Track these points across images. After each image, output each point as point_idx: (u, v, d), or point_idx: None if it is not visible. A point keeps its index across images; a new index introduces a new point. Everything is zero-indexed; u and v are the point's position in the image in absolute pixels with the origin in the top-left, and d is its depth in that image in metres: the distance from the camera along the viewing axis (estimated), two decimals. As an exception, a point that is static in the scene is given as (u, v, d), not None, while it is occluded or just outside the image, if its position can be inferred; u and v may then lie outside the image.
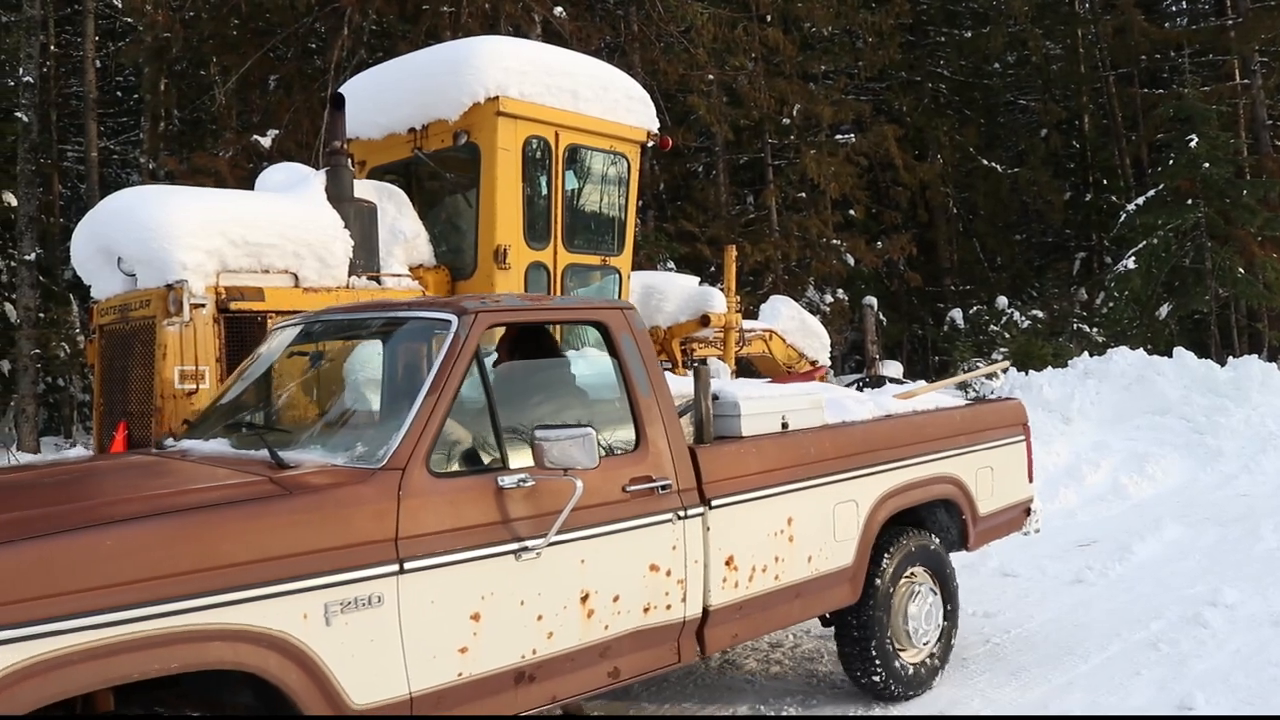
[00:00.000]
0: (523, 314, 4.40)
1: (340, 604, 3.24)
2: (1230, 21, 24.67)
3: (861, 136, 22.12)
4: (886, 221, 23.45)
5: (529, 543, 3.70)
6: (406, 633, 3.39)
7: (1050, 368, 15.37)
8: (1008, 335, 22.67)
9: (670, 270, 17.19)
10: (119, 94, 27.28)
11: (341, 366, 4.78)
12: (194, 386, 6.38)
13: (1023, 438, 6.34)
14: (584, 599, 3.90)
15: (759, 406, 4.86)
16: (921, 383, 10.29)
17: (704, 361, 10.29)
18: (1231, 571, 7.73)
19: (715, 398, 4.76)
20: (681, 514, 4.25)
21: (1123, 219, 22.91)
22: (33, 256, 17.63)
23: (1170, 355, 14.49)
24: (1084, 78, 28.43)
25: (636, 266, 9.40)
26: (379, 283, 7.45)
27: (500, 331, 4.79)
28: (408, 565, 3.40)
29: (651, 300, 9.97)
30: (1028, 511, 6.40)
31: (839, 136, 22.44)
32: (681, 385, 4.79)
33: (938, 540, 5.73)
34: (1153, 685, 5.46)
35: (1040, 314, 23.59)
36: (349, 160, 7.69)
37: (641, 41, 17.24)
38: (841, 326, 21.21)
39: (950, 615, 5.72)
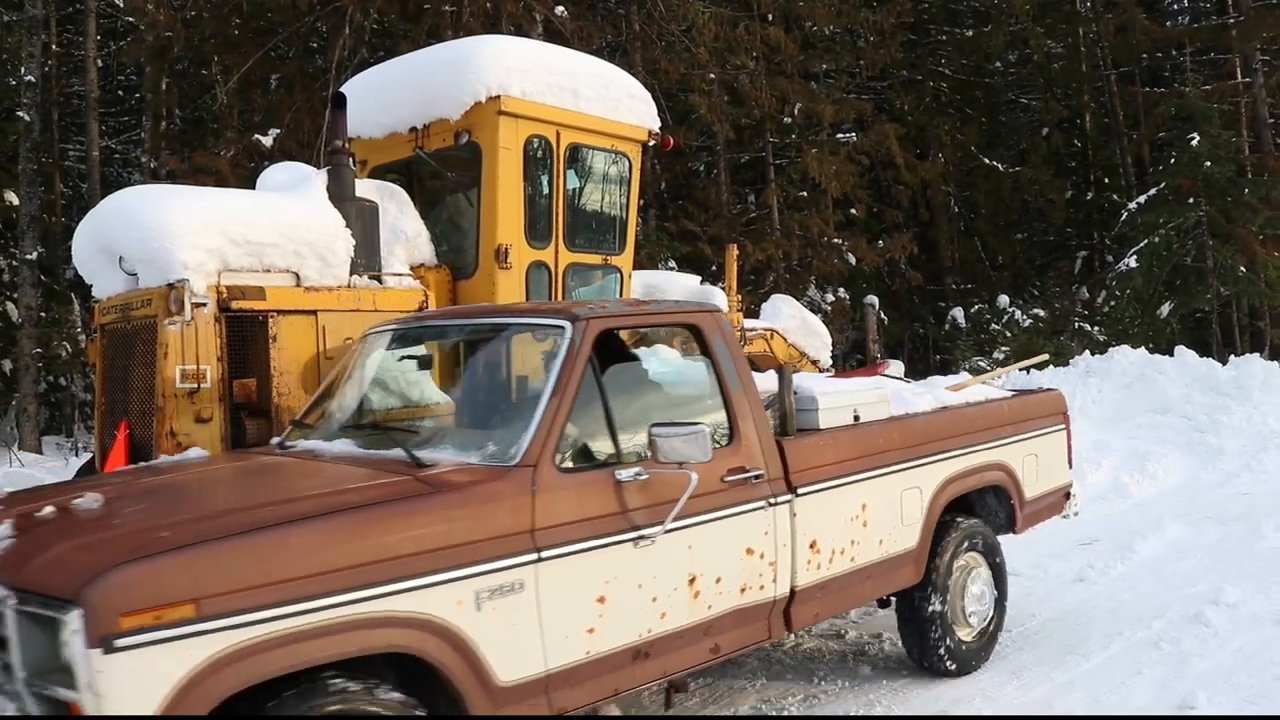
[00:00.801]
0: (627, 319, 4.67)
1: (489, 591, 3.54)
2: (1232, 20, 24.63)
3: (863, 135, 22.12)
4: (888, 220, 23.45)
5: (645, 531, 4.02)
6: (544, 616, 3.69)
7: (1051, 366, 15.36)
8: (1009, 334, 22.70)
9: (671, 269, 17.19)
10: (120, 93, 27.28)
11: (454, 369, 5.23)
12: (195, 386, 6.38)
13: (1063, 426, 6.74)
14: (691, 581, 4.22)
15: (834, 401, 5.18)
16: (966, 375, 10.37)
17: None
18: (1233, 570, 7.72)
19: (795, 393, 5.03)
20: (772, 501, 4.57)
21: (1124, 218, 22.90)
22: (34, 256, 17.65)
23: (1172, 354, 14.50)
24: (1085, 76, 28.41)
25: (638, 266, 9.40)
26: (380, 282, 7.46)
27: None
28: (544, 554, 3.70)
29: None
30: (1067, 496, 6.79)
31: (840, 135, 22.45)
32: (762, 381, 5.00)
33: (988, 524, 6.06)
34: (1154, 684, 5.46)
35: (1041, 313, 23.62)
36: (350, 159, 7.69)
37: (643, 40, 17.25)
38: (843, 325, 21.21)
39: (1000, 595, 6.05)
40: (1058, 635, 6.40)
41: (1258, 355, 15.22)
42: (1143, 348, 15.48)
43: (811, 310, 14.27)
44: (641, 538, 4.00)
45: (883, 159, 22.34)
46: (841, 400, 5.23)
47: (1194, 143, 20.95)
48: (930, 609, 5.56)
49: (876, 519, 5.13)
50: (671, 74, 17.41)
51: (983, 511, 6.16)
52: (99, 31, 21.78)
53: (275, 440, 4.95)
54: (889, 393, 5.62)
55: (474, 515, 3.57)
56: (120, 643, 2.76)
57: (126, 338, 6.77)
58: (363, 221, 7.37)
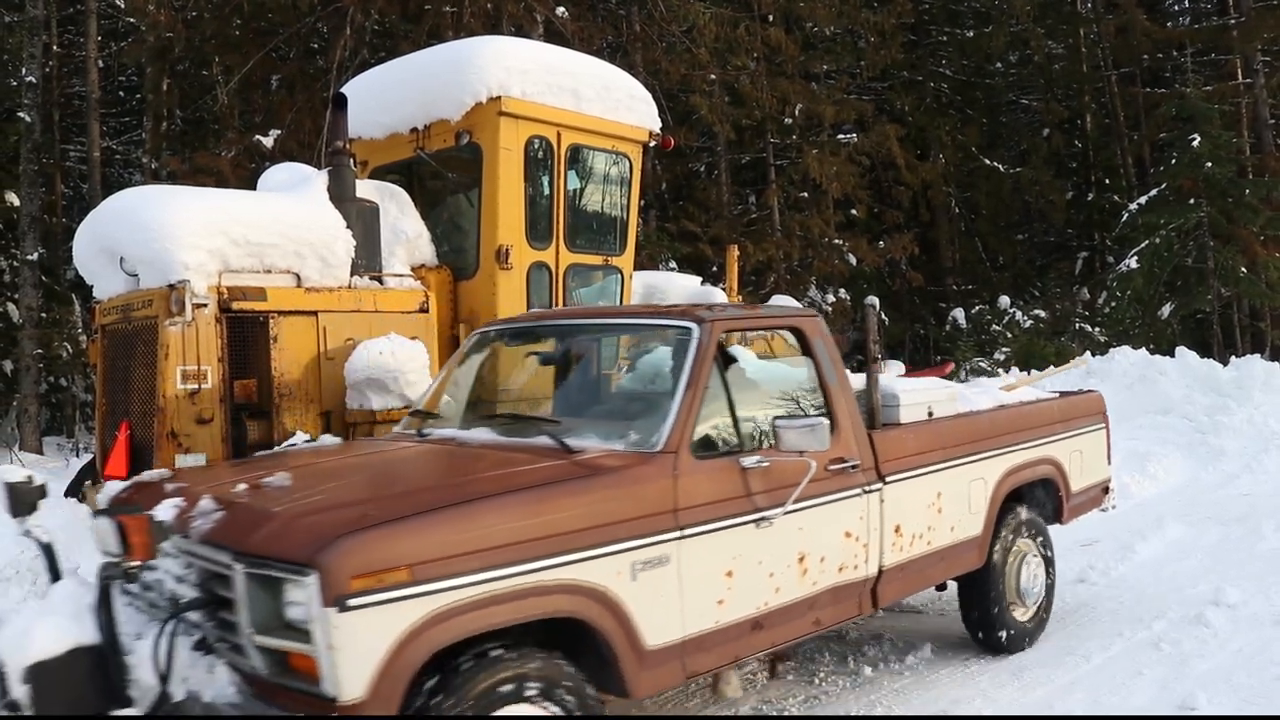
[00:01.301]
0: (743, 322, 5.12)
1: (641, 563, 3.93)
2: (1232, 20, 24.64)
3: (863, 136, 22.11)
4: (888, 221, 23.44)
5: (767, 513, 4.43)
6: (684, 587, 4.10)
7: (1052, 367, 15.36)
8: (1010, 335, 22.70)
9: (672, 270, 17.19)
10: (121, 94, 27.29)
11: (584, 365, 5.57)
12: (196, 386, 6.39)
13: (1103, 425, 7.22)
14: (800, 560, 4.65)
15: (912, 398, 5.64)
16: (1016, 374, 10.56)
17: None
18: (1234, 571, 7.72)
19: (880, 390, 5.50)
20: (866, 489, 5.02)
21: (1125, 218, 22.91)
22: (35, 256, 17.64)
23: (1172, 355, 14.50)
24: (1086, 77, 28.42)
25: (638, 266, 9.40)
26: (381, 282, 7.46)
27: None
28: (685, 532, 4.11)
29: (653, 300, 9.96)
30: (1106, 490, 7.29)
31: (841, 136, 22.44)
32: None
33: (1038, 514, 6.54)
34: (1155, 685, 5.46)
35: (1042, 313, 23.61)
36: (351, 160, 7.69)
37: (643, 41, 17.25)
38: (843, 326, 21.19)
39: (1050, 580, 6.50)
40: (1058, 636, 6.40)
41: (1258, 356, 15.23)
42: (1144, 348, 15.48)
43: (812, 311, 14.25)
44: (763, 519, 4.42)
45: (883, 160, 22.34)
46: (918, 398, 5.70)
47: (1195, 143, 20.96)
48: (992, 591, 5.98)
49: (949, 507, 5.61)
50: (672, 74, 17.41)
51: (1032, 503, 6.51)
52: (100, 32, 21.77)
53: (399, 428, 5.45)
54: (956, 392, 6.21)
55: (629, 495, 3.97)
56: (351, 602, 3.14)
57: (127, 338, 6.77)
58: (363, 222, 7.37)
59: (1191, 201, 20.88)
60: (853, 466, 4.94)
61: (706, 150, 23.43)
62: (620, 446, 4.27)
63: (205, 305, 6.41)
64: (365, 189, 7.68)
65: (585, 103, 8.32)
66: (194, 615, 3.52)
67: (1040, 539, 6.43)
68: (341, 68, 14.55)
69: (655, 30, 17.21)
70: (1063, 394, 7.42)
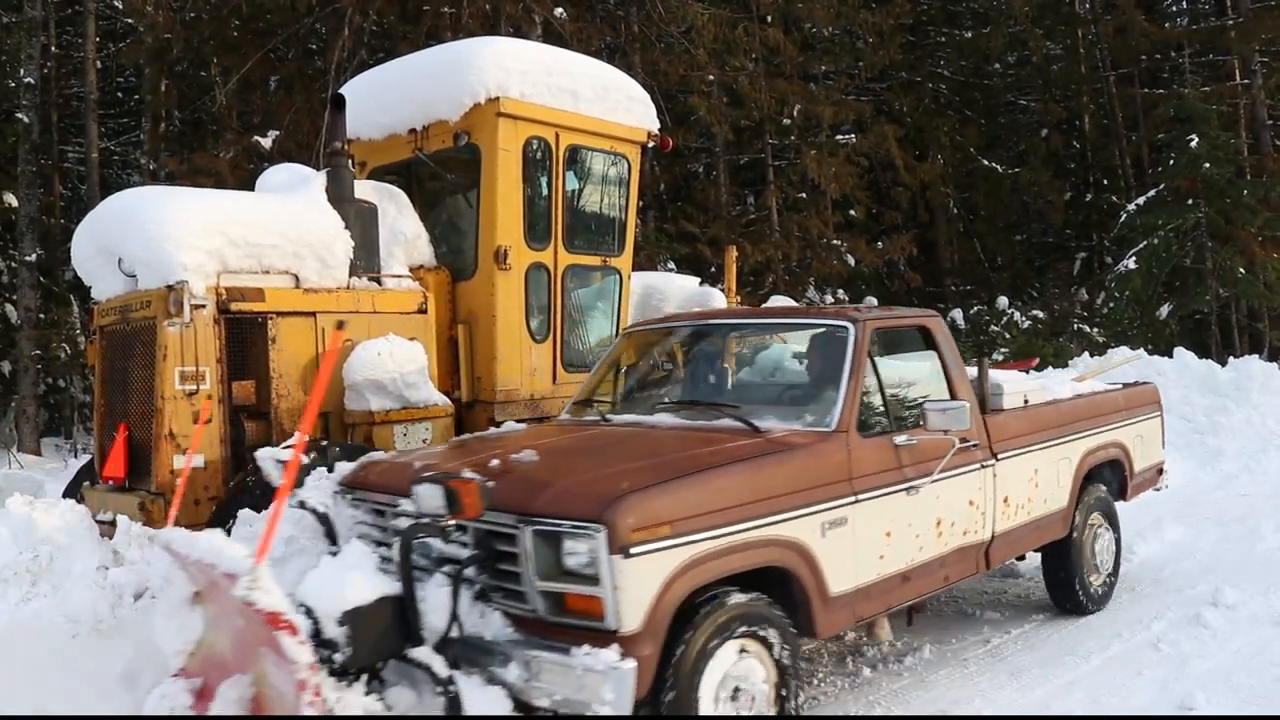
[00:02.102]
0: (886, 321, 5.72)
1: (828, 523, 4.67)
2: (1231, 21, 24.64)
3: (862, 137, 22.11)
4: (887, 222, 23.44)
5: (914, 482, 5.19)
6: (857, 544, 4.84)
7: (1051, 368, 15.36)
8: (1008, 335, 22.70)
9: (671, 271, 17.19)
10: (120, 95, 27.28)
11: (747, 358, 6.37)
12: (194, 387, 6.38)
13: (1158, 414, 8.06)
14: (937, 523, 5.41)
15: (1011, 388, 6.41)
16: (1085, 366, 11.00)
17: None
18: (1232, 571, 7.72)
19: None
20: (983, 464, 5.79)
21: (1123, 219, 22.90)
22: (33, 257, 17.64)
23: (1171, 355, 14.49)
24: (1084, 78, 28.42)
25: (637, 267, 9.40)
26: (379, 283, 7.46)
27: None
28: (859, 497, 4.85)
29: (652, 301, 9.96)
30: (1160, 471, 8.11)
31: (839, 137, 22.44)
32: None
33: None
34: (1154, 685, 5.46)
35: (1041, 314, 23.60)
36: (349, 161, 7.69)
37: (642, 42, 17.25)
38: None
39: (1117, 551, 7.34)
40: (1057, 636, 6.41)
41: (1257, 357, 15.22)
42: (1142, 349, 15.47)
43: (811, 311, 14.26)
44: (912, 488, 5.18)
45: (882, 160, 22.33)
46: (1015, 387, 6.48)
47: (1193, 144, 20.95)
48: (1074, 559, 6.76)
49: (1043, 482, 6.40)
50: (671, 75, 17.41)
51: (1102, 482, 7.27)
52: (98, 33, 21.77)
53: (568, 415, 6.18)
54: (1044, 383, 7.02)
55: (818, 466, 4.72)
56: (633, 551, 3.83)
57: (126, 339, 6.77)
58: (362, 223, 7.37)
59: (1190, 202, 20.88)
60: (974, 445, 5.68)
61: (705, 151, 23.43)
62: (799, 426, 5.03)
63: (204, 306, 6.41)
64: (364, 190, 7.67)
65: (584, 103, 8.31)
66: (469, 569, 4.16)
67: (1109, 514, 7.27)
68: (340, 68, 14.55)
69: (654, 31, 17.21)
70: (1125, 385, 8.20)
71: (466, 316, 7.96)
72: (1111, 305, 21.76)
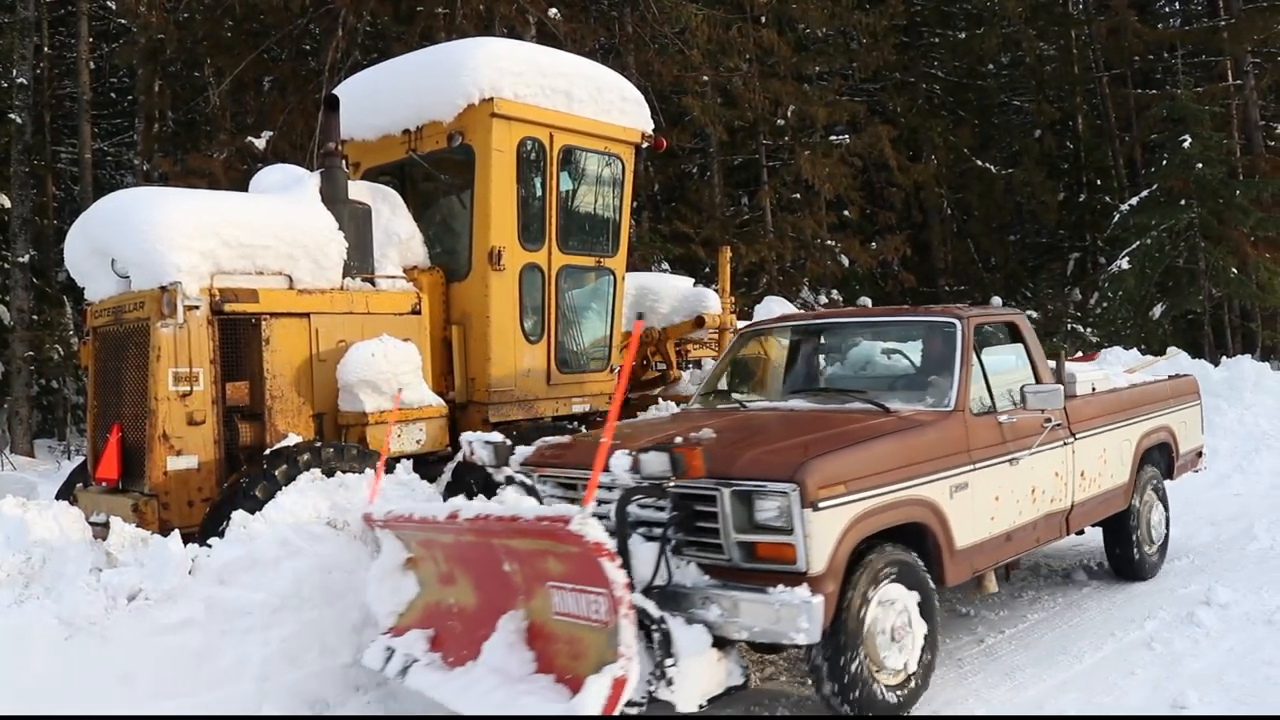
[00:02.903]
0: (984, 318, 6.52)
1: (954, 487, 5.48)
2: (1223, 22, 24.71)
3: (856, 137, 22.11)
4: (881, 222, 23.46)
5: (1015, 455, 6.02)
6: (975, 506, 5.64)
7: (1155, 356, 15.30)
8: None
9: (665, 271, 17.19)
10: (113, 95, 27.23)
11: (865, 351, 7.19)
12: (188, 388, 6.38)
13: (1198, 403, 8.93)
14: (1032, 491, 6.21)
15: (1082, 377, 7.32)
16: (1141, 358, 11.70)
17: (698, 363, 10.30)
18: (1225, 571, 7.75)
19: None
20: (1065, 441, 6.59)
21: (1116, 219, 22.94)
22: (27, 258, 17.61)
23: (1164, 355, 14.49)
24: (1078, 78, 28.47)
25: (631, 268, 9.40)
26: (373, 284, 7.45)
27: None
28: (976, 466, 5.66)
29: (646, 301, 9.97)
30: (1199, 454, 8.91)
31: (833, 137, 22.43)
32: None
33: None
34: (1147, 685, 5.47)
35: (1034, 314, 23.61)
36: (343, 162, 7.68)
37: (636, 42, 17.25)
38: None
39: (1167, 524, 8.12)
40: (1050, 636, 6.41)
41: (1249, 356, 15.24)
42: (1135, 349, 15.49)
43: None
44: (1014, 459, 6.01)
45: (876, 161, 22.33)
46: (1085, 376, 7.39)
47: (1186, 144, 21.00)
48: (1133, 530, 7.56)
49: (1110, 460, 7.20)
50: (665, 76, 17.41)
51: (1153, 462, 8.00)
52: (91, 34, 21.73)
53: (698, 403, 7.01)
54: (1107, 374, 7.93)
55: (946, 439, 5.54)
56: (820, 505, 4.63)
57: (119, 340, 6.76)
58: (356, 224, 7.37)
59: (1183, 202, 20.93)
60: (1058, 425, 6.47)
61: (699, 151, 23.44)
62: (923, 407, 5.82)
63: (197, 307, 6.40)
64: (358, 190, 7.67)
65: (578, 104, 8.32)
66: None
67: (1160, 492, 8.04)
68: (334, 69, 14.54)
69: (648, 31, 17.21)
70: (1170, 377, 9.12)
71: (460, 317, 7.96)
72: (1105, 305, 21.80)
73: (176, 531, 5.40)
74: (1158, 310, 21.10)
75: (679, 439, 4.79)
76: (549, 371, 8.27)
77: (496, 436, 5.69)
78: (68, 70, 24.00)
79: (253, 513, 5.65)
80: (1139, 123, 26.49)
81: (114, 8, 22.12)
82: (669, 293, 10.04)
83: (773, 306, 11.60)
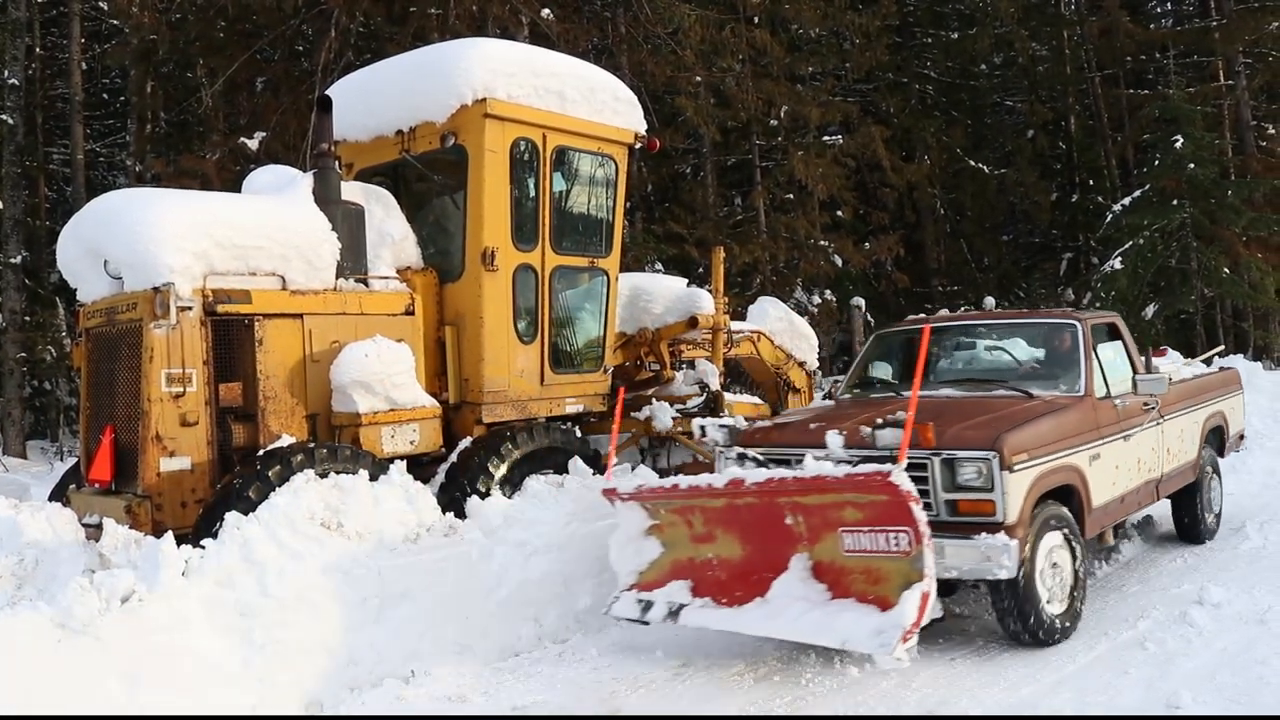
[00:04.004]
0: (1095, 319, 7.73)
1: (1092, 456, 6.74)
2: (1215, 23, 24.74)
3: (849, 137, 22.12)
4: (874, 222, 23.44)
5: (1128, 432, 7.30)
6: (1103, 473, 6.90)
7: (1206, 352, 15.31)
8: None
9: (658, 272, 17.19)
10: (105, 96, 27.17)
11: (993, 348, 8.15)
12: (181, 389, 6.37)
13: (1241, 391, 10.17)
14: (1138, 462, 7.49)
15: (1163, 369, 8.74)
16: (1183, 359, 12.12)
17: (691, 363, 10.29)
18: (1218, 570, 7.77)
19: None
20: (1157, 422, 7.85)
21: (1109, 219, 22.96)
22: (19, 259, 17.57)
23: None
24: (1070, 79, 28.51)
25: (624, 268, 9.40)
26: (366, 285, 7.45)
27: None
28: (1103, 441, 6.92)
29: (639, 302, 9.97)
30: (1241, 436, 10.19)
31: (826, 138, 22.44)
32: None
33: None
34: (1141, 684, 5.48)
35: (1028, 314, 23.59)
36: (336, 162, 7.68)
37: (629, 43, 17.24)
38: (829, 327, 21.23)
39: (1221, 496, 9.34)
40: (1044, 635, 6.42)
41: (1241, 356, 15.28)
42: (1222, 345, 15.47)
43: (798, 312, 14.29)
44: (1127, 435, 7.29)
45: (869, 161, 22.35)
46: (1165, 369, 8.81)
47: (1178, 145, 21.02)
48: (1198, 500, 8.77)
49: (1184, 438, 8.45)
50: (658, 76, 17.40)
51: (1208, 443, 9.12)
52: (83, 34, 21.66)
53: (845, 394, 8.21)
54: (1177, 367, 9.39)
55: (1082, 418, 6.77)
56: (1014, 468, 5.88)
57: (112, 341, 6.75)
58: (349, 224, 7.37)
59: (1175, 202, 20.94)
60: (1153, 408, 7.76)
61: (692, 152, 23.42)
62: (1058, 393, 7.02)
63: (190, 308, 6.39)
64: (350, 191, 7.67)
65: (571, 105, 8.32)
66: None
67: (1216, 468, 9.26)
68: (326, 70, 14.52)
69: (641, 32, 17.20)
70: (1220, 369, 10.31)
71: (454, 318, 7.96)
72: (1098, 305, 21.79)
73: (170, 533, 5.39)
74: (1150, 310, 21.13)
75: (888, 418, 6.16)
76: (542, 372, 8.27)
77: (729, 421, 7.20)
78: (59, 71, 23.94)
79: (246, 514, 5.64)
80: (1131, 123, 26.51)
81: (106, 8, 22.05)
82: (662, 293, 10.04)
83: (766, 308, 11.60)
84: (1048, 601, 6.14)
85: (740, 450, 6.81)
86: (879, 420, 6.17)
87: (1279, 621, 6.39)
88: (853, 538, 5.44)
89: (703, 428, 7.10)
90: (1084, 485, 6.56)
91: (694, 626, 6.02)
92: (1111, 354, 7.72)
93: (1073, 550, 6.36)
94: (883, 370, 8.43)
